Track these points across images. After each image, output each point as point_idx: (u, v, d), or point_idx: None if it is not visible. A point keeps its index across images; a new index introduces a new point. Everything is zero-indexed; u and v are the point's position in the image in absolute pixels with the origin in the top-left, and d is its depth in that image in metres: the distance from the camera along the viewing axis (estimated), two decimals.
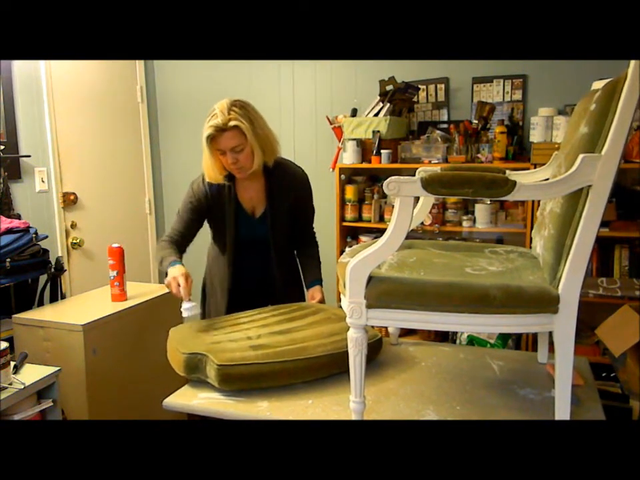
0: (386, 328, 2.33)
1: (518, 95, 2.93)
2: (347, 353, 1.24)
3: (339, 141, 3.08)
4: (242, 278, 1.97)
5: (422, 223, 2.21)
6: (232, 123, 1.70)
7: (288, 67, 3.41)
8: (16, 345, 2.13)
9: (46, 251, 2.36)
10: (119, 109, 3.50)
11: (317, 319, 1.70)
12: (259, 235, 1.93)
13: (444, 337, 2.84)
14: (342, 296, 1.31)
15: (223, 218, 1.91)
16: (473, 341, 2.60)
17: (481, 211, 2.80)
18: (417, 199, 1.31)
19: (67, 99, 3.08)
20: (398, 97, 2.94)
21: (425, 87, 3.09)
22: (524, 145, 2.87)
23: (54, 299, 2.43)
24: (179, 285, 1.67)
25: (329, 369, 1.52)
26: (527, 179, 1.54)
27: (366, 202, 3.07)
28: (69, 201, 3.12)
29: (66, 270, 2.66)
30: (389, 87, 2.94)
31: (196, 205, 1.89)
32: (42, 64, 2.90)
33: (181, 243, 1.89)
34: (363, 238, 3.10)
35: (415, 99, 3.09)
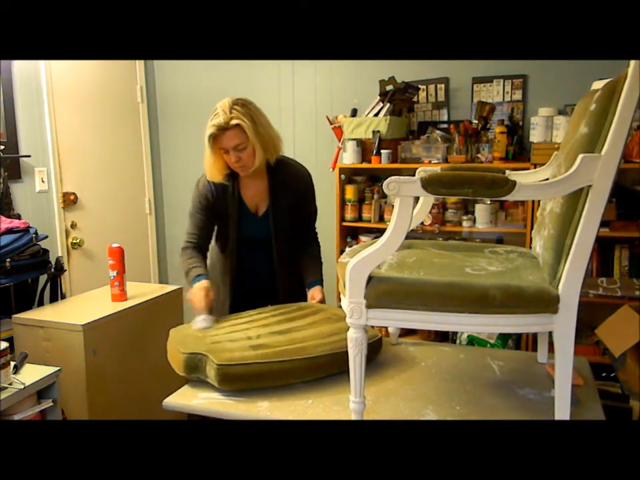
0: (386, 328, 2.33)
1: (518, 95, 2.93)
2: (346, 352, 1.24)
3: (339, 141, 3.08)
4: (245, 277, 1.97)
5: (422, 223, 2.21)
6: (233, 122, 1.72)
7: (288, 66, 3.41)
8: (16, 345, 2.13)
9: (46, 251, 2.36)
10: (119, 108, 3.50)
11: (316, 319, 1.70)
12: (262, 233, 1.94)
13: (444, 336, 2.84)
14: (342, 296, 1.31)
15: (227, 216, 1.91)
16: (473, 340, 2.60)
17: (481, 210, 2.80)
18: (416, 199, 1.31)
19: (67, 99, 3.08)
20: (398, 97, 2.94)
21: (425, 86, 3.09)
22: (524, 144, 2.87)
23: (54, 299, 2.43)
24: (197, 301, 1.75)
25: (328, 369, 1.52)
26: (527, 179, 1.54)
27: (366, 202, 3.07)
28: (69, 201, 3.12)
29: (66, 270, 2.66)
30: (389, 87, 2.94)
31: (205, 202, 1.90)
32: (42, 64, 2.90)
33: (202, 245, 1.93)
34: (362, 238, 3.09)
35: (415, 99, 3.09)
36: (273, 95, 3.45)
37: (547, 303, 1.16)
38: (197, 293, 1.76)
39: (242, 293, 1.98)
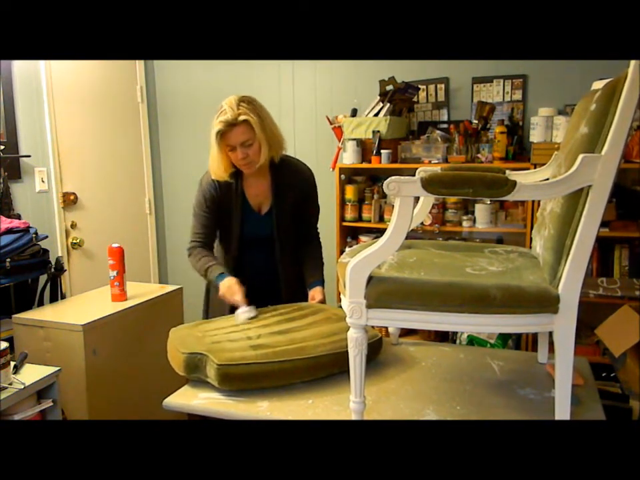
0: (386, 328, 2.33)
1: (518, 95, 2.93)
2: (346, 352, 1.24)
3: (339, 141, 3.08)
4: (247, 276, 1.97)
5: (422, 223, 2.21)
6: (241, 118, 1.73)
7: (288, 66, 3.41)
8: (16, 345, 2.13)
9: (46, 251, 2.36)
10: (119, 109, 3.50)
11: (316, 319, 1.70)
12: (264, 232, 1.94)
13: (444, 336, 2.84)
14: (342, 296, 1.31)
15: (230, 214, 1.92)
16: (472, 340, 2.60)
17: (481, 210, 2.80)
18: (416, 199, 1.31)
19: (66, 99, 3.08)
20: (398, 97, 2.94)
21: (425, 86, 3.09)
22: (524, 144, 2.87)
23: (54, 299, 2.43)
24: (233, 294, 1.77)
25: (328, 369, 1.52)
26: (526, 179, 1.54)
27: (366, 202, 3.07)
28: (69, 201, 3.12)
29: (66, 270, 2.66)
30: (389, 87, 2.94)
31: (209, 199, 1.91)
32: (42, 64, 2.90)
33: (209, 243, 1.94)
34: (362, 238, 3.09)
35: (414, 99, 3.09)
36: (273, 95, 3.45)
37: (547, 303, 1.16)
38: (231, 287, 1.78)
39: (244, 292, 1.97)
